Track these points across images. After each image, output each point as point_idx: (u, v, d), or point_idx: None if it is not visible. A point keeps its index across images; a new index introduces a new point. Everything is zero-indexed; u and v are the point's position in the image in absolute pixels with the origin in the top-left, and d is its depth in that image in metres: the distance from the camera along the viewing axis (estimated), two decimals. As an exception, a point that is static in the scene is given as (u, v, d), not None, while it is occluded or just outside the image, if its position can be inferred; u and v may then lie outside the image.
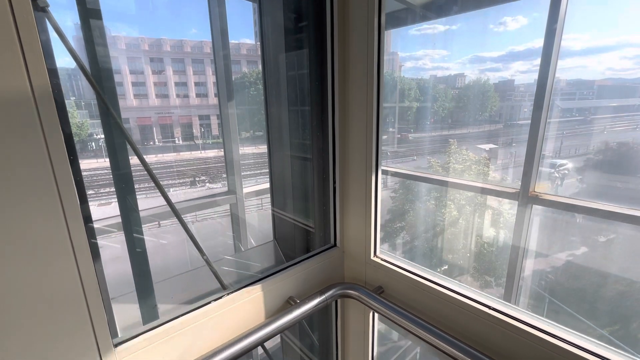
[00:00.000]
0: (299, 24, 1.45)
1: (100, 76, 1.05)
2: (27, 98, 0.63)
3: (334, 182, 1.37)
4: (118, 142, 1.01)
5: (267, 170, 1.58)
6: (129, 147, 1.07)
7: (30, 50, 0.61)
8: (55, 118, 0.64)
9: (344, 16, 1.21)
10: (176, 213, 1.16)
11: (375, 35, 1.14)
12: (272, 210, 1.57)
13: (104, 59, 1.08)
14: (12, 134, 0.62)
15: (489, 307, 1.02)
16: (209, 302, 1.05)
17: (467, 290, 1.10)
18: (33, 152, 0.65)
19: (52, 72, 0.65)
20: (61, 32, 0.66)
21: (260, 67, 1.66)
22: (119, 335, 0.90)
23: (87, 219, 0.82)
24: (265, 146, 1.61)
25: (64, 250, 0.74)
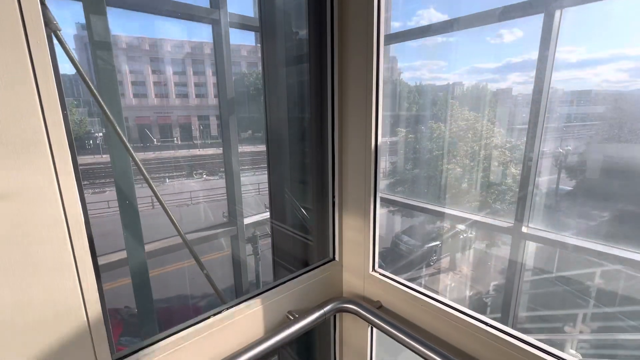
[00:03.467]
0: (298, 33, 1.46)
1: (104, 85, 1.05)
2: (36, 112, 0.63)
3: (333, 197, 1.38)
4: (123, 163, 1.02)
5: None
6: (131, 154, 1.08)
7: (42, 69, 0.61)
8: (64, 141, 0.65)
9: (342, 26, 1.22)
10: (175, 224, 1.17)
11: (374, 52, 1.16)
12: (271, 222, 1.58)
13: (109, 67, 1.08)
14: (20, 147, 0.63)
15: (486, 324, 1.03)
16: (209, 317, 1.05)
17: (464, 307, 1.11)
18: (40, 169, 0.66)
19: (60, 89, 0.66)
20: (71, 55, 0.67)
21: (261, 74, 1.67)
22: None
23: (89, 232, 0.82)
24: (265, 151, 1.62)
25: (67, 265, 0.74)
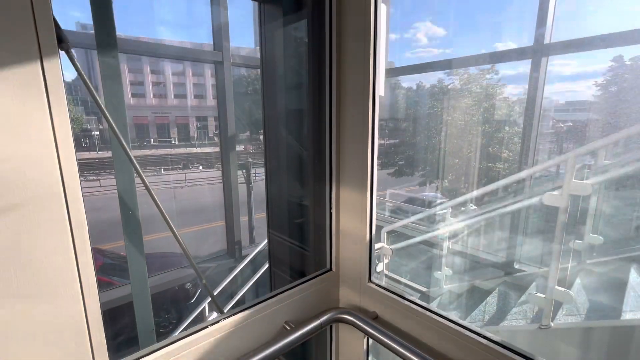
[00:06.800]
0: (298, 42, 1.48)
1: (110, 96, 1.06)
2: (47, 128, 0.64)
3: (330, 207, 1.39)
4: (126, 174, 1.03)
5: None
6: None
7: (54, 85, 0.63)
8: (72, 155, 0.66)
9: (340, 39, 1.24)
10: (171, 228, 1.17)
11: (370, 72, 1.18)
12: (268, 232, 1.59)
13: (116, 81, 1.09)
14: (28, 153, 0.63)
15: (484, 337, 1.04)
16: (206, 327, 1.06)
17: (461, 319, 1.13)
18: (49, 182, 0.66)
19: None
20: (82, 73, 0.68)
21: (260, 78, 1.69)
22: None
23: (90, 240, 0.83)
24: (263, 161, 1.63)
25: (72, 282, 0.74)
